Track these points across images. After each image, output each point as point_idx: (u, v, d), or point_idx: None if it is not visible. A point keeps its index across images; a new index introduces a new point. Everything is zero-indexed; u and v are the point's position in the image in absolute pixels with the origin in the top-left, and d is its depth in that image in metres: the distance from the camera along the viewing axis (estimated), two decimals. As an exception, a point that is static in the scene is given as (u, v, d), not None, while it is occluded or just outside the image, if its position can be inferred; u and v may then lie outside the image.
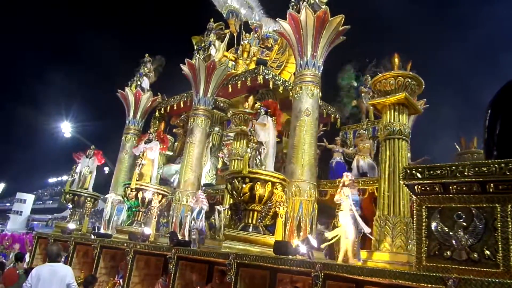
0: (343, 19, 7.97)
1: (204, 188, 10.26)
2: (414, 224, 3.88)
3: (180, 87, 13.56)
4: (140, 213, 8.98)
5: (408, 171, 3.95)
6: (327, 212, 7.69)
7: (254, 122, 6.58)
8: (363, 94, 9.66)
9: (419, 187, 3.91)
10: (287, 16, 8.16)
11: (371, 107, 9.49)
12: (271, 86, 10.20)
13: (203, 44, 11.12)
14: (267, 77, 10.16)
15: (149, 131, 10.16)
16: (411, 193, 4.08)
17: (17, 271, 8.52)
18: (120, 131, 12.99)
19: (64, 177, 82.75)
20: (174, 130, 13.26)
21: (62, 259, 9.91)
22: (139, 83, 12.90)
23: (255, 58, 12.21)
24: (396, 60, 6.76)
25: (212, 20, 11.75)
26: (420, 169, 3.85)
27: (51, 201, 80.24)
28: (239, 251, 5.71)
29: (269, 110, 6.90)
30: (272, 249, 6.00)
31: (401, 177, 4.21)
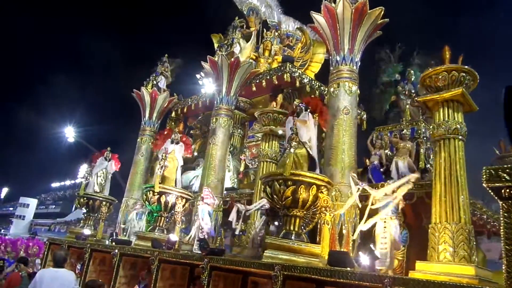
0: (382, 12, 7.46)
1: (226, 192, 9.72)
2: (502, 233, 3.31)
3: (188, 89, 13.23)
4: (163, 218, 8.42)
5: (493, 172, 3.37)
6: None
7: (296, 120, 6.04)
8: (401, 93, 9.10)
9: (507, 190, 3.35)
10: (322, 8, 7.64)
11: (408, 106, 8.99)
12: (297, 84, 9.70)
13: (225, 42, 10.61)
14: (293, 75, 9.67)
15: (169, 132, 9.61)
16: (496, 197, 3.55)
17: (20, 273, 8.29)
18: (127, 134, 12.52)
19: (67, 182, 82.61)
20: (191, 132, 12.74)
21: (78, 267, 9.43)
22: (155, 82, 12.40)
23: (277, 57, 11.72)
24: (447, 53, 6.22)
25: (236, 18, 11.28)
26: (508, 170, 3.29)
27: (54, 206, 79.82)
28: (283, 262, 5.15)
29: (309, 107, 6.37)
30: (317, 260, 5.48)
31: (483, 179, 3.66)
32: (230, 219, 7.19)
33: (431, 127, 6.25)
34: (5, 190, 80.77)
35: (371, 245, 5.02)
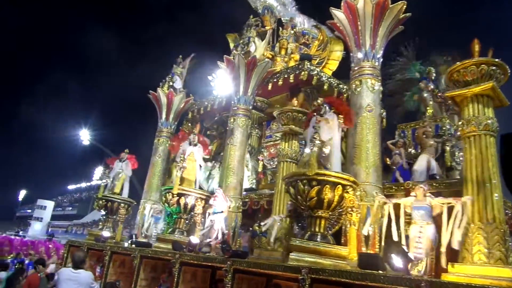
0: (404, 6, 7.24)
1: (246, 193, 9.60)
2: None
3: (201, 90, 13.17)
4: (182, 220, 8.34)
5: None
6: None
7: (319, 118, 5.88)
8: (423, 90, 8.85)
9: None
10: (341, 4, 7.47)
11: (431, 103, 8.75)
12: (314, 82, 9.52)
13: (241, 41, 10.50)
14: (312, 73, 9.49)
15: (184, 134, 9.54)
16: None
17: (39, 275, 8.33)
18: (143, 135, 12.49)
19: (83, 184, 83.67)
20: (208, 133, 12.66)
21: (98, 269, 9.41)
22: (171, 83, 12.34)
23: (293, 55, 11.56)
24: (477, 46, 5.97)
25: (251, 17, 11.14)
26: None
27: (71, 208, 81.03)
28: (309, 264, 4.99)
29: (333, 107, 6.20)
30: (344, 262, 5.32)
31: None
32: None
33: (459, 123, 6.03)
34: (23, 193, 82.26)
35: (404, 247, 4.84)
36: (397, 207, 5.83)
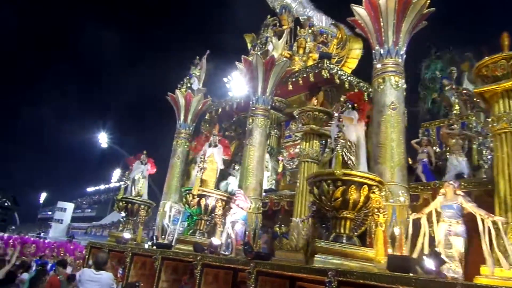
0: (428, 0, 7.04)
1: (265, 194, 9.51)
2: None
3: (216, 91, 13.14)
4: (203, 221, 8.28)
5: None
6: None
7: (343, 117, 5.74)
8: (447, 88, 8.60)
9: None
10: (363, 0, 7.31)
11: (456, 100, 8.50)
12: (336, 81, 9.38)
13: (258, 41, 10.42)
14: (331, 71, 9.35)
15: (209, 134, 9.50)
16: None
17: (59, 277, 8.36)
18: (161, 137, 12.51)
19: (102, 186, 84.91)
20: (226, 133, 12.61)
21: (120, 271, 9.44)
22: (189, 85, 12.35)
23: (312, 54, 11.44)
24: (506, 40, 5.76)
25: (269, 16, 11.08)
26: None
27: (90, 210, 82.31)
28: (335, 267, 4.85)
29: (356, 104, 6.07)
30: (371, 264, 5.17)
31: None
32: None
33: (489, 120, 5.82)
34: (43, 195, 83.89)
35: (437, 249, 4.67)
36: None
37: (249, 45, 11.94)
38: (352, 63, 11.13)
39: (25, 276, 8.88)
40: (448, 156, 7.16)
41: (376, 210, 5.38)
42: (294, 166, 10.38)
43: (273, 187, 10.34)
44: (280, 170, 10.49)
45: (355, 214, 5.51)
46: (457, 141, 7.10)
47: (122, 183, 10.55)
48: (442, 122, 8.12)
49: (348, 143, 5.73)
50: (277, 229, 8.79)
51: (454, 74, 9.08)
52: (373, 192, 5.38)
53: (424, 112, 9.00)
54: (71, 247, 16.28)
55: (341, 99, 6.88)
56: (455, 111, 8.04)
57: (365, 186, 5.31)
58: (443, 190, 5.41)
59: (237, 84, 12.86)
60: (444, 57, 9.22)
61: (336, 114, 6.15)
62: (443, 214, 5.33)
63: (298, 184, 8.13)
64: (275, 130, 11.24)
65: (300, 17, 13.06)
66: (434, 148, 7.99)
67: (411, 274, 4.15)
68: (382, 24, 7.16)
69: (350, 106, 6.02)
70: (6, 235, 24.31)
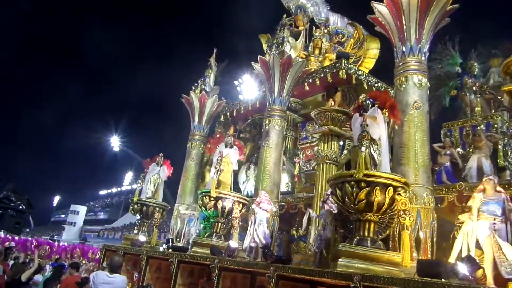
0: (451, -3, 6.84)
1: (282, 196, 9.33)
2: None
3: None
4: (219, 224, 8.14)
5: None
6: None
7: (365, 116, 5.56)
8: (468, 86, 8.33)
9: None
10: (384, -3, 7.13)
11: (478, 100, 8.25)
12: (354, 81, 9.18)
13: (274, 41, 10.28)
14: (349, 71, 9.15)
15: (221, 136, 9.38)
16: None
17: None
18: (172, 140, 12.46)
19: (114, 189, 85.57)
20: (241, 135, 12.48)
21: (136, 274, 9.35)
22: (203, 87, 12.27)
23: (328, 55, 11.25)
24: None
25: (284, 16, 10.92)
26: None
27: (102, 213, 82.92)
28: (360, 271, 4.66)
29: (377, 102, 5.87)
30: (397, 269, 4.95)
31: None
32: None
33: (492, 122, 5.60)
34: (57, 199, 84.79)
35: (471, 253, 4.44)
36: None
37: (264, 46, 11.82)
38: (369, 63, 10.92)
39: (39, 278, 8.82)
40: (476, 156, 6.88)
41: (402, 212, 5.18)
42: (311, 169, 10.20)
43: (289, 189, 10.16)
44: (296, 172, 10.31)
45: (380, 216, 5.31)
46: (487, 143, 6.85)
47: (137, 185, 10.46)
48: (465, 122, 7.87)
49: (372, 143, 5.52)
50: (294, 232, 8.64)
51: (475, 70, 8.83)
52: (399, 194, 5.18)
53: (438, 111, 8.75)
54: (87, 249, 16.30)
55: (361, 97, 6.68)
56: (478, 110, 7.77)
57: (390, 187, 5.11)
58: (481, 186, 5.14)
59: (248, 87, 12.85)
60: (471, 52, 8.97)
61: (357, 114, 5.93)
62: (482, 211, 5.05)
63: (315, 186, 7.96)
64: (291, 131, 11.06)
65: (315, 18, 12.90)
66: (457, 149, 7.75)
67: (443, 280, 3.94)
68: (404, 21, 6.97)
69: (371, 104, 5.82)
70: (22, 237, 24.50)
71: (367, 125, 5.42)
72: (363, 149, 5.25)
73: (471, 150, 7.21)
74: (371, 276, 4.41)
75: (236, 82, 13.51)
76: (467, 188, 6.12)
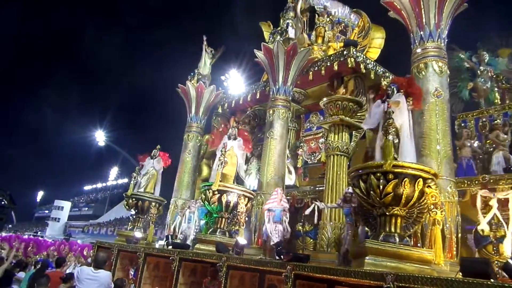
0: (471, -21, 6.49)
1: (287, 190, 8.91)
2: None
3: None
4: (223, 219, 7.67)
5: None
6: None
7: (390, 101, 5.16)
8: (483, 75, 8.03)
9: None
10: (400, -18, 6.73)
11: (496, 89, 7.95)
12: (363, 70, 8.78)
13: (279, 28, 9.81)
14: (358, 59, 8.75)
15: (225, 128, 8.90)
16: None
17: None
18: (166, 134, 11.95)
19: (99, 185, 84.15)
20: (240, 128, 11.97)
21: (131, 272, 8.83)
22: (199, 76, 11.73)
23: (331, 44, 10.84)
24: None
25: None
26: None
27: (87, 208, 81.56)
28: (391, 270, 4.27)
29: (401, 88, 5.48)
30: (429, 267, 4.58)
31: None
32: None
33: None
34: (40, 194, 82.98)
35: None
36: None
37: (265, 34, 11.32)
38: (374, 53, 10.53)
39: (22, 275, 8.29)
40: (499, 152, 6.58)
41: (432, 206, 4.79)
42: (315, 161, 9.80)
43: (292, 182, 9.75)
44: (300, 165, 9.89)
45: (407, 211, 4.93)
46: (504, 137, 6.55)
47: (133, 179, 9.90)
48: (481, 113, 7.56)
49: (396, 131, 5.13)
50: (300, 227, 8.25)
51: (485, 57, 8.55)
52: (429, 186, 4.79)
53: (460, 104, 8.43)
54: (74, 246, 15.67)
55: (384, 82, 6.28)
56: (496, 100, 7.46)
57: (420, 179, 4.72)
58: None
59: (234, 82, 12.52)
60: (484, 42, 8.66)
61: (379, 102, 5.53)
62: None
63: (326, 178, 7.56)
64: (294, 123, 10.62)
65: (316, 6, 12.45)
66: (472, 141, 7.44)
67: (492, 280, 3.57)
68: (422, 5, 6.58)
69: (395, 90, 5.43)
70: (3, 234, 23.67)
71: (392, 112, 5.02)
72: (390, 137, 4.85)
73: (490, 143, 6.90)
74: (406, 276, 4.00)
75: (223, 77, 13.07)
76: (491, 181, 5.81)
